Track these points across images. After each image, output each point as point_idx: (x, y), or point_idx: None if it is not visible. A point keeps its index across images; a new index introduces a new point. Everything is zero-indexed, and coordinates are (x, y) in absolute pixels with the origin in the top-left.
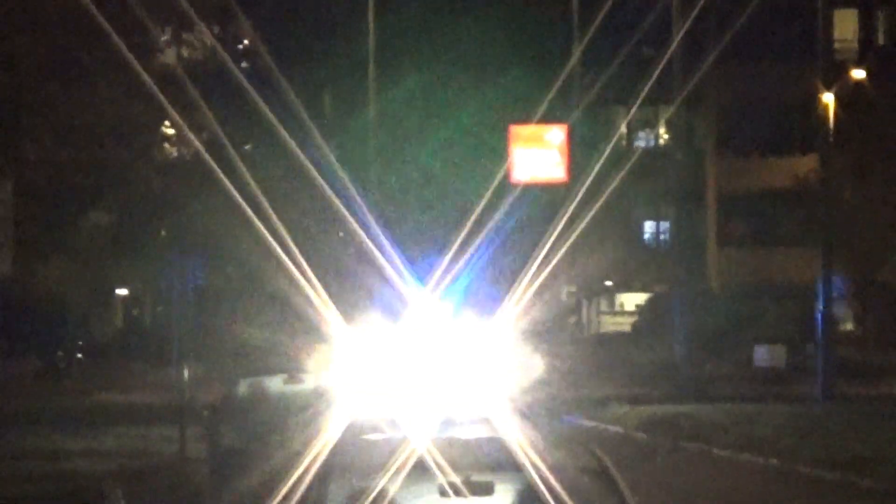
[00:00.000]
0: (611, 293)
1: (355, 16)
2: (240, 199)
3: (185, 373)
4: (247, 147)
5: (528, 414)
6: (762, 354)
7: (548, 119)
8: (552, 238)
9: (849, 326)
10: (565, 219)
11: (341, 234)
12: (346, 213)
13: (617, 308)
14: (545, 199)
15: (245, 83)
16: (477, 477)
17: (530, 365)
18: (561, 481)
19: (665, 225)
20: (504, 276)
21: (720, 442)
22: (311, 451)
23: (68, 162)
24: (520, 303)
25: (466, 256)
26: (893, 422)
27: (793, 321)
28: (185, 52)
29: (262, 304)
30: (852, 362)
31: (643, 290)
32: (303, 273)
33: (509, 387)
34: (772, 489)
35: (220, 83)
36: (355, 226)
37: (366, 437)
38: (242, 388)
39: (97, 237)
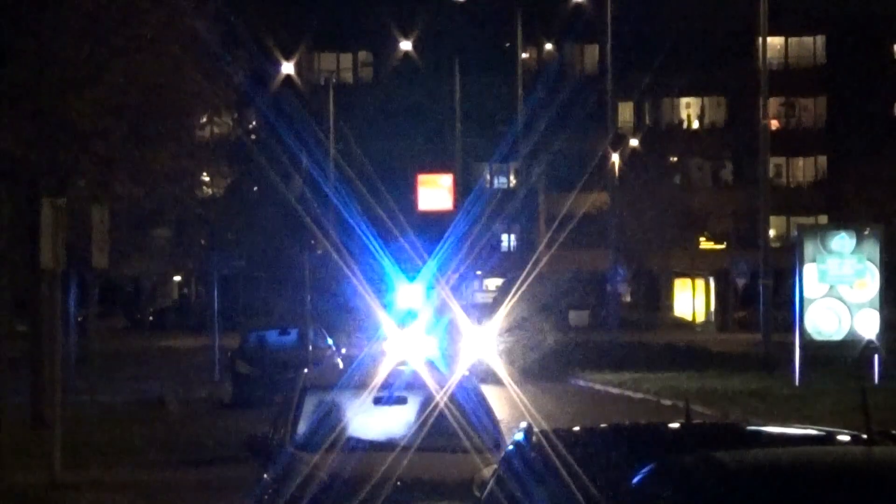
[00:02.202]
0: (480, 278)
1: (323, 103)
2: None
3: (215, 327)
4: (255, 188)
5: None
6: (574, 317)
7: (442, 168)
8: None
9: (627, 298)
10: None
11: (313, 241)
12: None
13: (483, 288)
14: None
15: (252, 149)
16: (398, 392)
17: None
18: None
19: (514, 235)
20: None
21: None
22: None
23: (143, 196)
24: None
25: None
26: (659, 354)
27: (592, 295)
28: (215, 129)
29: (268, 284)
30: (628, 320)
31: (500, 276)
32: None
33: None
34: (574, 396)
35: (236, 149)
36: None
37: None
38: (252, 337)
39: (160, 243)
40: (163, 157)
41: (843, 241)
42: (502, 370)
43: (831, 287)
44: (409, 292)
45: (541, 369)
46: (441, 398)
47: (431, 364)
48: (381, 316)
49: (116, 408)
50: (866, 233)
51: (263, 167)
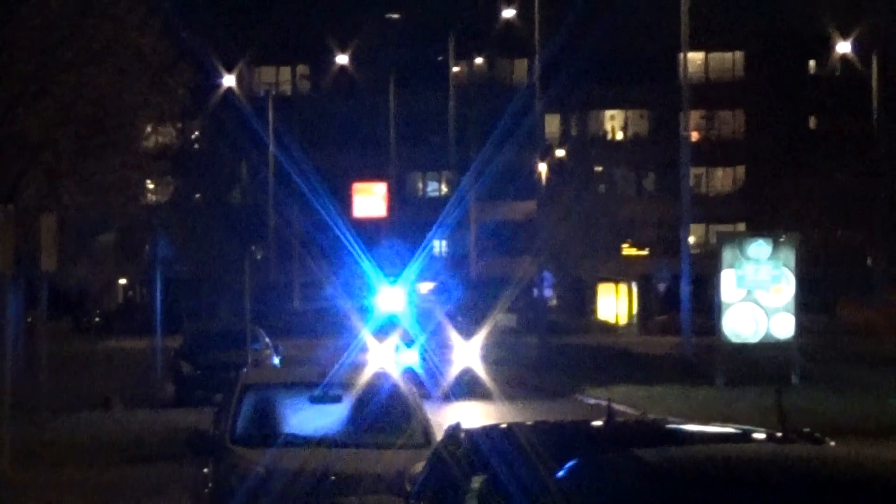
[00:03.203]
0: (414, 282)
1: (263, 115)
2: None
3: (158, 329)
4: (197, 196)
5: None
6: (502, 320)
7: (377, 177)
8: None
9: (554, 302)
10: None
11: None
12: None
13: (417, 291)
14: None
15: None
16: (332, 391)
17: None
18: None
19: (444, 242)
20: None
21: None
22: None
23: (90, 203)
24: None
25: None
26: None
27: (521, 299)
28: (160, 139)
29: (210, 287)
30: (555, 324)
31: (432, 280)
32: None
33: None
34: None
35: (179, 158)
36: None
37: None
38: (194, 339)
39: (106, 248)
40: (109, 168)
41: (760, 247)
42: (492, 381)
43: (749, 292)
44: (391, 296)
45: (532, 380)
46: (373, 397)
47: (411, 372)
48: (357, 322)
49: (64, 407)
50: (782, 240)
51: (205, 175)
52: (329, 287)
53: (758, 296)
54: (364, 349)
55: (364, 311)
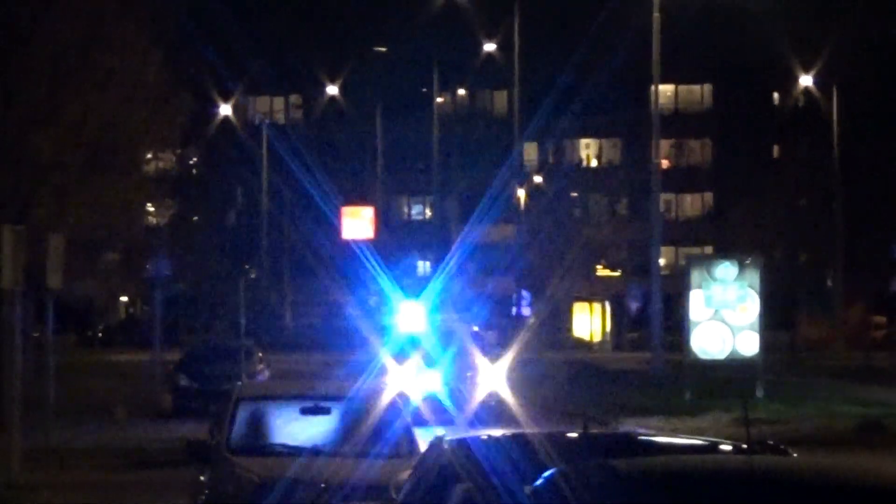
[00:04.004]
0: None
1: (258, 142)
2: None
3: (158, 343)
4: (195, 218)
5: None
6: (486, 338)
7: (364, 201)
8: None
9: (532, 320)
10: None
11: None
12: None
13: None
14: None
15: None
16: (322, 403)
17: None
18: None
19: (428, 263)
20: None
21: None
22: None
23: (95, 223)
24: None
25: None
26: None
27: (501, 317)
28: (160, 165)
29: (206, 304)
30: (534, 338)
31: (416, 299)
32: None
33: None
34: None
35: (179, 182)
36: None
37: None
38: (192, 353)
39: (110, 266)
40: (113, 190)
41: (726, 269)
42: (520, 409)
43: (716, 311)
44: (411, 314)
45: (558, 405)
46: (360, 409)
47: (434, 399)
48: (375, 341)
49: (69, 415)
50: (748, 262)
51: (203, 199)
52: (319, 305)
53: (724, 315)
54: (382, 372)
55: (356, 328)
